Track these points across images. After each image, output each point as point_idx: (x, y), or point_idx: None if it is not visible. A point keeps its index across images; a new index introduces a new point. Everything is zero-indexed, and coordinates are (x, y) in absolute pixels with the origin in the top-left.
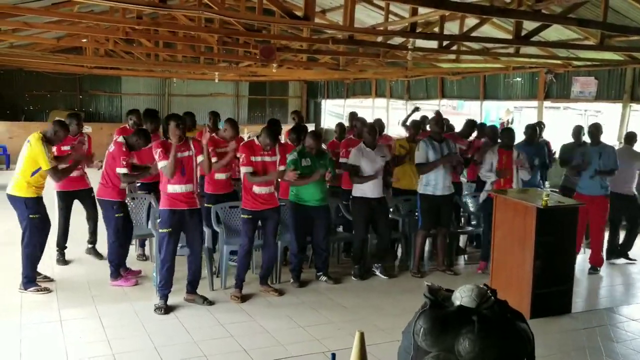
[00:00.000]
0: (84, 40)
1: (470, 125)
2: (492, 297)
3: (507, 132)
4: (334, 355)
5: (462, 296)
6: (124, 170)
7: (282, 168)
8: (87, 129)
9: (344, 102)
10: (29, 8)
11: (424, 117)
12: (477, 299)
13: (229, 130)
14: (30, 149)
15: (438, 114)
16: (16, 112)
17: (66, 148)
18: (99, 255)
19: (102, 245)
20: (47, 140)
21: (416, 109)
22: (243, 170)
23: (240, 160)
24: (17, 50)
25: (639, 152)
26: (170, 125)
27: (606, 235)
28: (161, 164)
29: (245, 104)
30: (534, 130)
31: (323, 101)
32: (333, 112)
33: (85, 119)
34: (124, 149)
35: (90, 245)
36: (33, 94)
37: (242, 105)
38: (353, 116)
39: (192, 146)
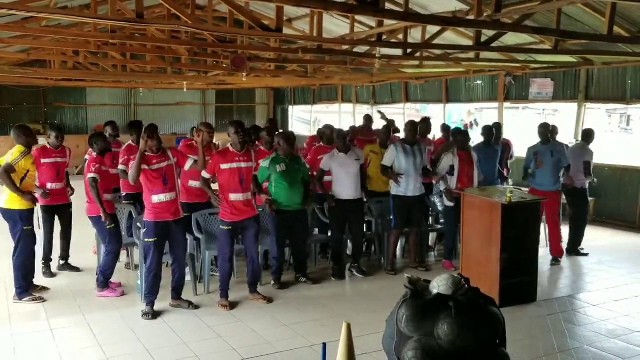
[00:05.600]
0: (55, 53)
1: (425, 121)
2: (466, 285)
3: (461, 133)
4: (324, 345)
5: (439, 285)
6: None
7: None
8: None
9: (311, 108)
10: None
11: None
12: (453, 286)
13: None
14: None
15: (412, 122)
16: None
17: (48, 161)
18: (74, 269)
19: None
20: (28, 148)
21: (382, 116)
22: (202, 173)
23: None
24: None
25: (588, 148)
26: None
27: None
28: (121, 167)
29: (213, 112)
30: (490, 131)
31: (290, 107)
32: (301, 119)
33: None
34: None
35: (62, 262)
36: None
37: (209, 113)
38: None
39: (171, 155)
